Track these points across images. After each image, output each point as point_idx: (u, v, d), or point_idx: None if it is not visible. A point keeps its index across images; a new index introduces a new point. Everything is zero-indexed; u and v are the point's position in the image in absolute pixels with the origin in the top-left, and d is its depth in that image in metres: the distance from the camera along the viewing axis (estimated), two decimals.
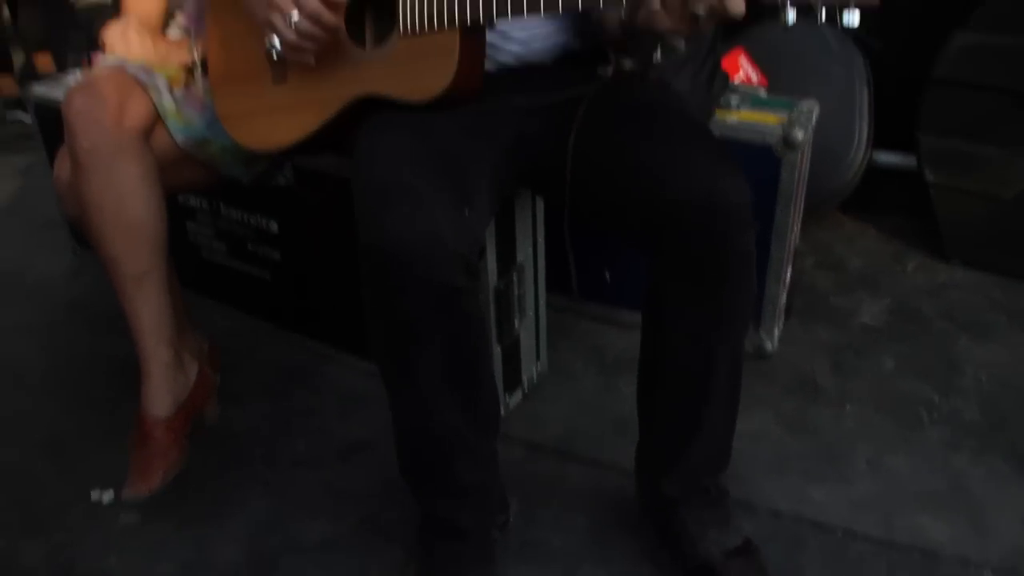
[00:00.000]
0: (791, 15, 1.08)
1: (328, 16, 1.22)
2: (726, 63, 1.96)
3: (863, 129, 2.21)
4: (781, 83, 2.11)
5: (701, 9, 1.04)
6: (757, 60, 2.15)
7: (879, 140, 2.28)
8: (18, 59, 3.74)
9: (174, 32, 1.79)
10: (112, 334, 1.80)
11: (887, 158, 2.36)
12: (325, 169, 1.70)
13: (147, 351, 1.53)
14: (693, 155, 1.18)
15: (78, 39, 3.31)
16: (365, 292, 1.15)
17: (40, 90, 2.21)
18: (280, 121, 1.38)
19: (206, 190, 1.94)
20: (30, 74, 3.50)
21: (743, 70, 2.08)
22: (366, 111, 1.28)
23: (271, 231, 1.91)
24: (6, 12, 3.72)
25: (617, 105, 1.29)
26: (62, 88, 2.11)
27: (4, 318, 2.22)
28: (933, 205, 2.21)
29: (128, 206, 1.46)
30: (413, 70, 1.23)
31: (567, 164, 1.25)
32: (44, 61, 3.62)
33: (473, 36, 1.21)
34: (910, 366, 1.88)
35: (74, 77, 2.19)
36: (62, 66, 3.40)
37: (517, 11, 1.13)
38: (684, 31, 1.08)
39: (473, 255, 1.14)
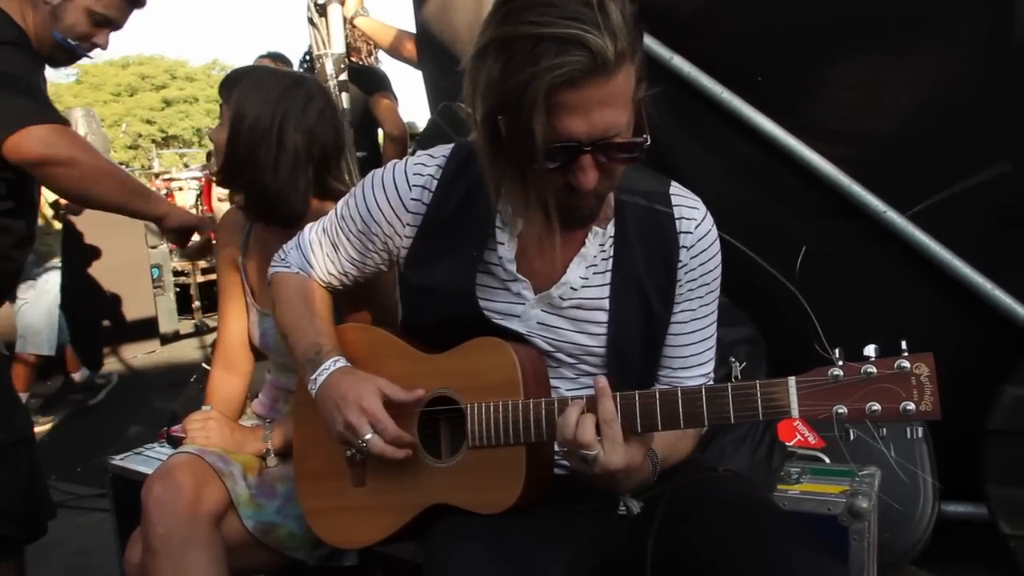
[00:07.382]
0: (851, 433, 1.15)
1: (407, 438, 1.28)
2: (782, 429, 2.00)
3: (928, 483, 2.18)
4: (839, 443, 2.10)
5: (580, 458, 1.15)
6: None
7: (944, 492, 2.23)
8: None
9: (248, 418, 1.90)
10: None
11: (956, 508, 2.30)
12: (397, 553, 1.68)
13: None
14: (788, 551, 1.16)
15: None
16: None
17: (118, 463, 2.28)
18: (360, 521, 1.42)
19: (272, 573, 1.94)
20: None
21: (799, 434, 2.10)
22: (441, 511, 1.31)
23: None
24: None
25: (696, 504, 1.28)
26: (139, 460, 2.18)
27: None
28: (1015, 557, 2.11)
29: None
30: (483, 483, 1.27)
31: (647, 566, 1.23)
32: None
33: (539, 450, 1.26)
34: None
35: (152, 451, 2.28)
36: None
37: None
38: (579, 469, 1.16)
39: None
